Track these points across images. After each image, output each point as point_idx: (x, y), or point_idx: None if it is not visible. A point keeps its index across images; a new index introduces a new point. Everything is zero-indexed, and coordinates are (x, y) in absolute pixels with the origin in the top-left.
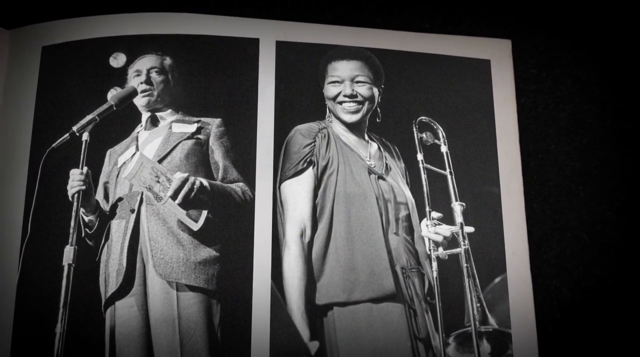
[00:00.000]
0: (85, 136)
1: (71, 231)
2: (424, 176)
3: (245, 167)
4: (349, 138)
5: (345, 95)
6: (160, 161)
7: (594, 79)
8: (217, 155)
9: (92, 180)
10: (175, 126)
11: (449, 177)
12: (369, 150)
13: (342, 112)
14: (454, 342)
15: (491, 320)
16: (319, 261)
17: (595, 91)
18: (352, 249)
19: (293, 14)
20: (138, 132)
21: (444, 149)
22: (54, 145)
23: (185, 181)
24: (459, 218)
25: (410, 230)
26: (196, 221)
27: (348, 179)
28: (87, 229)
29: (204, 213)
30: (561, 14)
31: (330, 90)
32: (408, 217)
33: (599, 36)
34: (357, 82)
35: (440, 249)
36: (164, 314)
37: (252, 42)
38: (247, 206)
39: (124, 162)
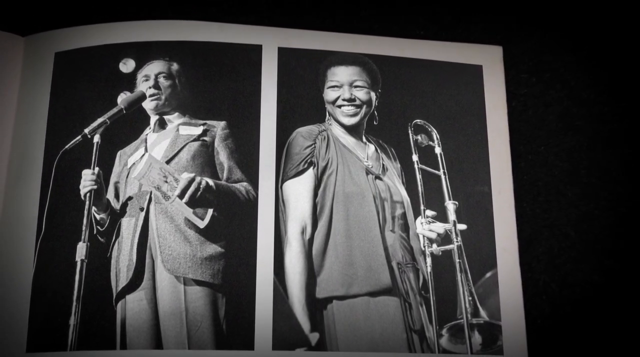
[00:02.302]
0: (96, 138)
1: (84, 228)
2: (418, 176)
3: (249, 167)
4: (348, 140)
5: (344, 99)
6: (168, 162)
7: (582, 83)
8: (222, 156)
9: (103, 180)
10: (182, 129)
11: (442, 177)
12: (367, 152)
13: (341, 115)
14: (447, 333)
15: (482, 313)
16: (319, 257)
17: (583, 95)
18: (350, 246)
19: (294, 21)
20: (147, 134)
21: (437, 150)
22: (66, 146)
23: (192, 180)
24: (452, 216)
25: (405, 227)
26: (202, 219)
27: (347, 179)
28: (98, 227)
29: (210, 211)
30: (551, 22)
31: (329, 94)
32: (404, 215)
33: (588, 43)
34: (356, 86)
35: (434, 245)
36: (172, 307)
37: (255, 48)
38: (250, 205)
39: (134, 163)
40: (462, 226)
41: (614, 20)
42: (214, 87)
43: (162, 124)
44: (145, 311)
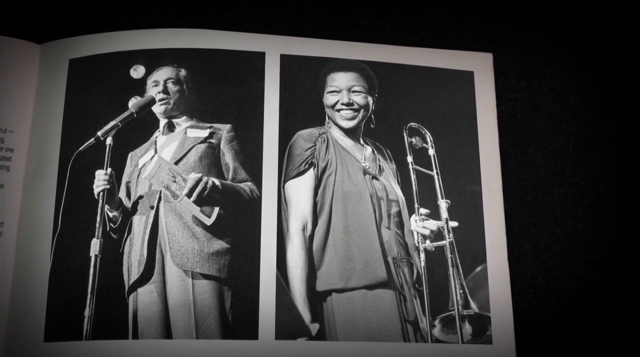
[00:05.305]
0: (109, 140)
1: (97, 225)
2: (413, 176)
3: (253, 168)
4: (346, 142)
5: (342, 104)
6: (176, 163)
7: (568, 89)
8: (228, 157)
9: (115, 180)
10: (190, 131)
11: (435, 177)
12: (364, 153)
13: (339, 118)
14: (439, 324)
15: (472, 305)
16: (319, 252)
17: (569, 100)
18: (348, 242)
19: (296, 30)
20: (156, 137)
21: (431, 152)
22: (81, 148)
23: (199, 180)
24: (444, 214)
25: (400, 224)
26: (209, 217)
27: (345, 179)
28: (111, 224)
29: (216, 209)
30: (539, 30)
31: (329, 99)
32: (399, 213)
33: (574, 50)
34: (354, 91)
35: (428, 241)
36: (180, 300)
37: (258, 55)
38: (254, 203)
39: (144, 164)
40: (453, 223)
41: (599, 28)
42: (220, 92)
43: (170, 127)
44: (155, 303)
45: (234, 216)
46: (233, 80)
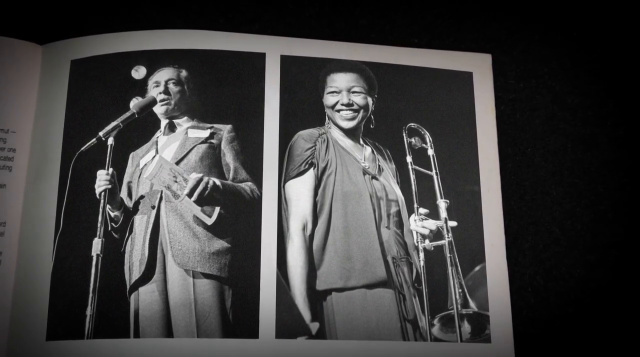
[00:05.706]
0: (110, 141)
1: (99, 225)
2: (412, 176)
3: (253, 168)
4: (346, 142)
5: (342, 104)
6: (177, 163)
7: (566, 89)
8: (228, 157)
9: (117, 180)
10: (191, 132)
11: (434, 177)
12: (364, 153)
13: (339, 119)
14: (439, 323)
15: (471, 304)
16: (319, 252)
17: (567, 100)
18: (348, 241)
19: (296, 30)
20: (157, 137)
21: (430, 152)
22: (82, 148)
23: (200, 180)
24: (443, 214)
25: (400, 224)
26: (210, 216)
27: (345, 179)
28: (113, 223)
29: (217, 209)
30: (537, 31)
31: (329, 99)
32: (398, 213)
33: (572, 51)
34: (353, 92)
35: (427, 241)
36: (182, 299)
37: (259, 56)
38: (255, 203)
39: (145, 164)
40: (452, 223)
41: (597, 29)
42: (221, 92)
43: (171, 128)
44: (157, 302)
45: (234, 215)
46: (234, 81)
